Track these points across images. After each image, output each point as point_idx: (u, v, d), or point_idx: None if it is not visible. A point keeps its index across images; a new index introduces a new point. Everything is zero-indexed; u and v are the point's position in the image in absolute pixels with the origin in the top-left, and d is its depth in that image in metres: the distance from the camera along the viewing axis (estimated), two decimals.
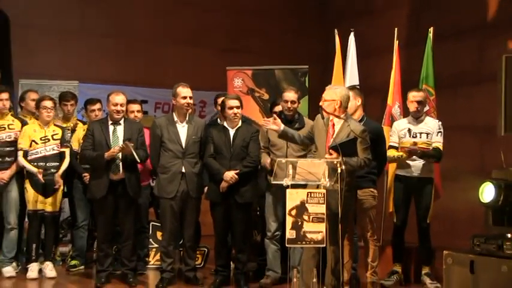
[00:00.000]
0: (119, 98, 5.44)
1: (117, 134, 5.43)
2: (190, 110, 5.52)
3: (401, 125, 5.68)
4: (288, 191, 4.42)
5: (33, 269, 5.67)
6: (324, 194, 4.39)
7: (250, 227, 5.67)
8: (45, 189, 5.69)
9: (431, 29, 6.29)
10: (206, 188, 5.52)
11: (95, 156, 5.36)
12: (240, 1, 9.16)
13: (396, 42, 6.46)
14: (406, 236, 5.68)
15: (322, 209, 4.38)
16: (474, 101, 6.87)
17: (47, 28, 7.94)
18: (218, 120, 5.86)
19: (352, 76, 6.63)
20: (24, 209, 5.82)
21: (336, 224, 4.45)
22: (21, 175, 5.76)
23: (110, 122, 5.48)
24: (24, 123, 5.82)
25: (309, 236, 4.38)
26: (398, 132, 5.62)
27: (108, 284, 5.45)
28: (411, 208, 5.64)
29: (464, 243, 4.01)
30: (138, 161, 5.36)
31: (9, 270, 5.69)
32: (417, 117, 5.60)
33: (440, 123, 5.61)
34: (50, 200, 5.72)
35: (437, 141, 5.52)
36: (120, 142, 5.35)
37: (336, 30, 6.77)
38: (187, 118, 5.45)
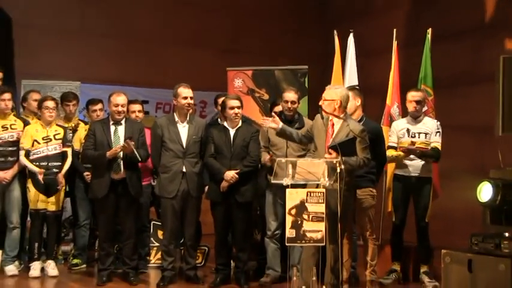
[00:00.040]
0: (120, 99, 5.44)
1: (118, 134, 5.43)
2: (191, 110, 5.53)
3: (400, 125, 5.69)
4: (287, 190, 4.43)
5: (35, 268, 5.68)
6: (323, 193, 4.40)
7: (251, 226, 5.67)
8: (47, 188, 5.69)
9: (429, 30, 6.30)
10: (207, 187, 5.53)
11: (96, 156, 5.36)
12: (240, 2, 9.15)
13: (395, 43, 6.47)
14: (405, 235, 5.68)
15: (321, 208, 4.39)
16: (472, 101, 6.87)
17: (49, 29, 7.93)
18: (219, 120, 5.86)
19: (352, 76, 6.63)
20: (26, 208, 5.83)
21: (335, 223, 4.46)
22: (23, 174, 5.77)
23: (111, 122, 5.49)
24: (26, 123, 5.82)
25: (308, 235, 4.38)
26: (397, 132, 5.63)
27: (110, 282, 5.45)
28: (410, 207, 5.64)
29: (463, 242, 4.01)
30: (139, 159, 5.36)
31: (11, 269, 5.70)
32: (416, 117, 5.61)
33: (438, 123, 5.61)
34: (52, 199, 5.73)
35: (436, 141, 5.53)
36: (121, 142, 5.35)
37: (335, 31, 6.77)
38: (188, 118, 5.45)
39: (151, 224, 6.33)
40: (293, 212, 4.41)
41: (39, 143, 5.69)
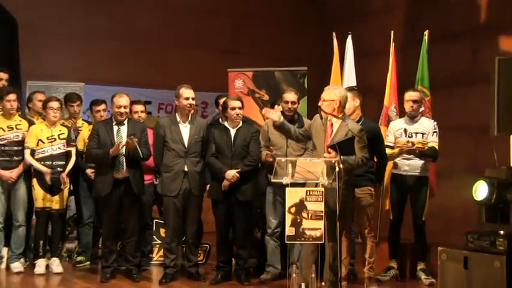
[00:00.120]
0: (122, 100, 5.44)
1: (121, 134, 5.43)
2: (192, 111, 5.53)
3: (398, 125, 5.69)
4: (287, 189, 4.43)
5: (40, 265, 5.69)
6: (322, 192, 4.40)
7: (251, 224, 5.67)
8: (52, 187, 5.70)
9: (426, 32, 6.30)
10: (208, 186, 5.53)
11: (100, 154, 5.37)
12: (241, 5, 9.15)
13: (392, 45, 6.47)
14: (402, 232, 5.68)
15: (320, 206, 4.39)
16: (468, 101, 6.87)
17: (54, 31, 7.94)
18: (220, 120, 5.86)
19: (350, 77, 6.64)
20: (31, 206, 5.83)
21: (334, 221, 4.46)
22: (28, 173, 5.77)
23: (114, 123, 5.49)
24: (31, 123, 5.83)
25: (307, 232, 4.39)
26: (395, 132, 5.63)
27: (113, 279, 5.45)
28: (407, 206, 5.64)
29: (459, 240, 4.01)
30: (141, 156, 5.36)
31: (17, 266, 5.71)
32: (413, 118, 5.61)
33: (435, 123, 5.62)
34: (56, 198, 5.73)
35: (433, 141, 5.53)
36: (124, 141, 5.35)
37: (334, 33, 6.77)
38: (189, 118, 5.46)
39: (154, 222, 6.33)
40: (293, 210, 4.41)
41: (43, 142, 5.70)
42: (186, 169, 5.35)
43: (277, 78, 6.92)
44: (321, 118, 4.78)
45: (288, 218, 4.42)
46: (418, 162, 5.52)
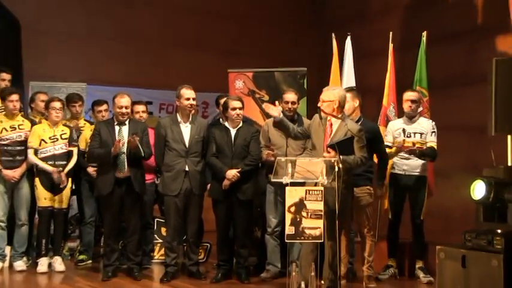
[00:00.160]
0: (124, 101, 5.44)
1: (123, 134, 5.44)
2: (193, 111, 5.53)
3: (396, 125, 5.69)
4: (287, 188, 4.44)
5: (43, 263, 5.69)
6: (321, 191, 4.40)
7: (251, 223, 5.67)
8: (54, 186, 5.70)
9: (424, 33, 6.30)
10: (209, 185, 5.53)
11: (102, 153, 5.37)
12: (241, 7, 9.15)
13: (391, 46, 6.48)
14: (401, 231, 5.68)
15: (320, 205, 4.39)
16: (466, 101, 6.87)
17: (56, 32, 7.93)
18: (220, 120, 5.86)
19: (349, 78, 6.64)
20: (34, 205, 5.84)
21: (333, 220, 4.47)
22: (31, 173, 5.77)
23: (116, 123, 5.49)
24: (33, 123, 5.83)
25: (307, 231, 4.39)
26: (393, 132, 5.63)
27: (115, 277, 5.46)
28: (405, 205, 5.64)
29: (456, 239, 4.01)
30: (143, 155, 5.36)
31: (20, 264, 5.72)
32: (411, 118, 5.61)
33: (433, 123, 5.62)
34: (59, 197, 5.74)
35: (432, 141, 5.54)
36: (125, 142, 5.35)
37: (333, 34, 6.77)
38: (190, 119, 5.46)
39: (155, 221, 6.33)
40: (292, 209, 4.42)
41: (46, 142, 5.70)
42: (187, 169, 5.35)
43: (277, 78, 6.92)
44: (321, 118, 4.78)
45: (288, 217, 4.42)
46: (417, 162, 5.52)
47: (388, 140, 5.62)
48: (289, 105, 5.48)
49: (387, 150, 5.51)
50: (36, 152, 5.67)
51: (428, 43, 6.30)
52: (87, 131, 5.98)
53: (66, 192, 5.79)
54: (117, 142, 5.27)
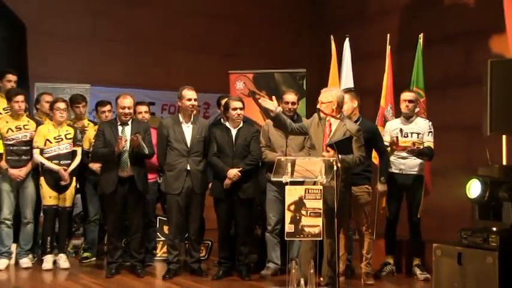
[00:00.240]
0: (127, 101, 5.45)
1: (126, 134, 5.43)
2: (195, 111, 5.53)
3: (394, 125, 5.70)
4: (287, 187, 4.44)
5: (48, 261, 5.69)
6: (320, 190, 4.41)
7: (252, 221, 5.67)
8: (59, 185, 5.70)
9: (421, 35, 6.30)
10: (210, 184, 5.53)
11: (106, 153, 5.38)
12: (242, 10, 9.15)
13: (388, 47, 6.47)
14: (398, 229, 5.69)
15: (319, 204, 4.39)
16: (462, 102, 6.87)
17: (61, 34, 7.94)
18: (221, 120, 5.87)
19: (347, 79, 6.64)
20: (39, 204, 5.84)
21: (332, 218, 4.47)
22: (36, 172, 5.78)
23: (119, 123, 5.49)
24: (38, 124, 5.83)
25: (306, 229, 4.39)
26: (391, 132, 5.63)
27: (118, 274, 5.46)
28: (403, 203, 5.64)
29: (453, 236, 4.01)
30: (146, 152, 5.35)
31: (26, 262, 5.72)
32: (408, 118, 5.61)
33: (430, 123, 5.62)
34: (63, 195, 5.74)
35: (429, 141, 5.53)
36: (128, 141, 5.36)
37: (331, 36, 6.78)
38: (192, 119, 5.46)
39: (158, 220, 6.33)
40: (292, 208, 4.42)
41: (51, 142, 5.71)
42: (188, 168, 5.35)
43: (277, 79, 6.92)
44: (320, 119, 4.78)
45: (288, 216, 4.43)
46: (414, 162, 5.52)
47: (386, 139, 5.62)
48: (289, 105, 5.49)
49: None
50: (41, 152, 5.67)
51: (425, 45, 6.30)
52: (91, 131, 5.99)
53: (71, 191, 5.79)
54: (120, 139, 5.28)
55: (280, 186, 4.81)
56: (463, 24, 7.16)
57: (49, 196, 5.69)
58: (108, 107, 6.18)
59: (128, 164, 5.38)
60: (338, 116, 4.75)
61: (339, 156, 4.43)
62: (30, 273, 5.59)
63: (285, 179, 4.44)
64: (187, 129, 5.42)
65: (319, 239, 4.46)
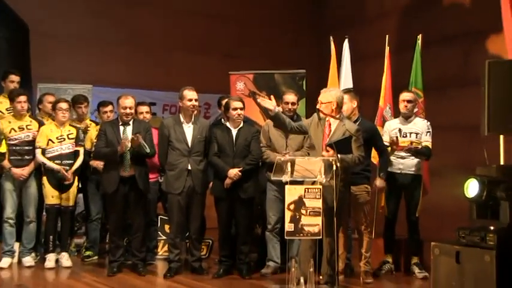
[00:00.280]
0: (128, 102, 5.45)
1: (127, 134, 5.44)
2: (195, 112, 5.53)
3: (393, 125, 5.70)
4: (287, 187, 4.44)
5: (50, 259, 5.70)
6: (320, 189, 4.41)
7: (252, 220, 5.67)
8: (61, 185, 5.71)
9: (419, 36, 6.30)
10: (211, 184, 5.54)
11: (108, 152, 5.39)
12: (242, 11, 9.16)
13: (387, 48, 6.47)
14: (397, 228, 5.68)
15: (318, 203, 4.40)
16: (460, 102, 6.87)
17: (63, 36, 7.94)
18: (222, 120, 5.87)
19: (347, 80, 6.64)
20: (42, 203, 5.84)
21: (331, 217, 4.47)
22: (39, 172, 5.78)
23: (120, 123, 5.50)
24: (41, 124, 5.84)
25: (306, 228, 4.40)
26: (390, 132, 5.63)
27: (120, 273, 5.46)
28: (401, 203, 5.64)
29: (451, 235, 4.01)
30: (147, 151, 5.35)
31: (28, 260, 5.72)
32: (407, 118, 5.61)
33: (428, 123, 5.62)
34: (66, 195, 5.75)
35: (427, 141, 5.54)
36: (130, 140, 5.36)
37: (331, 37, 6.78)
38: (192, 119, 5.46)
39: (159, 219, 6.33)
40: (292, 207, 4.42)
41: (53, 142, 5.71)
42: (189, 168, 5.35)
43: (277, 80, 6.92)
44: (319, 119, 4.79)
45: (288, 215, 4.43)
46: (412, 161, 5.52)
47: (385, 139, 5.62)
48: (289, 105, 5.50)
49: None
50: (43, 152, 5.68)
51: (424, 46, 6.30)
52: (93, 131, 5.99)
53: (73, 190, 5.80)
54: (124, 140, 5.28)
55: (280, 186, 4.81)
56: (461, 25, 7.17)
57: (51, 195, 5.70)
58: (109, 107, 6.18)
59: (129, 163, 5.38)
60: (337, 116, 4.75)
61: (339, 155, 4.43)
62: (32, 272, 5.58)
63: (285, 178, 4.44)
64: (188, 129, 5.42)
65: (319, 237, 4.47)
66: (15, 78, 6.19)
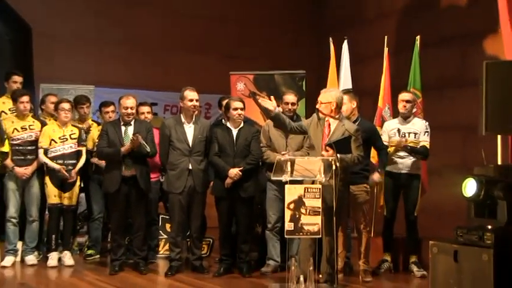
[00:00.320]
0: (129, 102, 5.46)
1: (129, 134, 5.44)
2: (196, 112, 5.53)
3: (391, 125, 5.70)
4: (286, 186, 4.44)
5: (53, 258, 5.70)
6: (319, 189, 4.41)
7: (252, 219, 5.67)
8: (64, 184, 5.71)
9: (418, 37, 6.29)
10: (212, 183, 5.53)
11: (111, 152, 5.39)
12: (242, 12, 9.17)
13: (386, 49, 6.46)
14: (396, 227, 5.68)
15: (318, 202, 4.40)
16: (458, 103, 6.87)
17: (66, 37, 7.96)
18: (222, 121, 5.87)
19: (346, 80, 6.63)
20: (44, 202, 5.84)
21: (330, 216, 4.47)
22: (41, 171, 5.78)
23: (122, 123, 5.50)
24: (43, 124, 5.84)
25: (306, 227, 4.40)
26: (389, 132, 5.63)
27: (121, 271, 5.46)
28: (400, 202, 5.64)
29: (449, 234, 4.01)
30: (148, 151, 5.35)
31: (31, 259, 5.73)
32: (406, 118, 5.61)
33: (427, 123, 5.61)
34: (68, 194, 5.75)
35: (425, 141, 5.53)
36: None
37: (330, 38, 6.77)
38: (193, 119, 5.46)
39: (160, 218, 6.34)
40: (292, 206, 4.42)
41: (56, 142, 5.71)
42: (190, 167, 5.35)
43: (277, 81, 6.92)
44: (319, 119, 4.79)
45: (287, 214, 4.43)
46: (411, 161, 5.52)
47: (384, 139, 5.62)
48: (289, 106, 5.50)
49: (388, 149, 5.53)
50: (46, 152, 5.68)
51: (422, 47, 6.29)
52: (95, 131, 5.99)
53: (75, 190, 5.80)
54: (129, 145, 5.28)
55: (280, 185, 4.81)
56: (459, 26, 7.16)
57: (54, 195, 5.70)
58: (111, 108, 6.18)
59: (131, 163, 5.37)
60: (337, 117, 4.75)
61: (338, 155, 4.43)
62: (35, 270, 5.59)
63: (285, 178, 4.44)
64: (189, 130, 5.42)
65: (318, 236, 4.47)
66: (18, 79, 6.20)
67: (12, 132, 5.70)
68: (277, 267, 5.39)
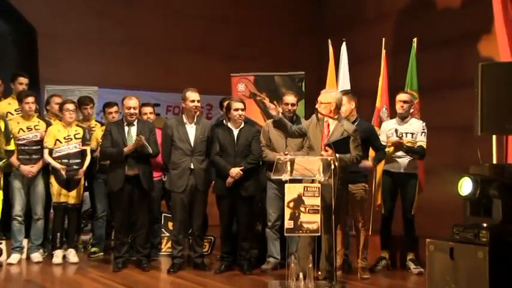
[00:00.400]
0: (132, 102, 5.47)
1: (132, 134, 5.45)
2: (198, 112, 5.54)
3: (389, 125, 5.70)
4: (286, 185, 4.45)
5: (57, 255, 5.71)
6: (319, 187, 4.42)
7: (253, 218, 5.67)
8: (68, 183, 5.72)
9: (415, 39, 6.30)
10: (213, 182, 5.54)
11: (115, 152, 5.40)
12: (243, 14, 9.17)
13: (384, 51, 6.47)
14: (393, 225, 5.69)
15: (317, 201, 4.40)
16: (454, 103, 6.86)
17: (70, 39, 7.96)
18: (224, 121, 5.87)
19: (344, 81, 6.63)
20: (49, 201, 5.85)
21: (329, 214, 4.48)
22: (47, 171, 5.79)
23: (125, 123, 5.51)
24: (48, 124, 5.85)
25: (305, 225, 4.40)
26: (386, 132, 5.64)
27: (125, 269, 5.47)
28: (397, 201, 5.65)
29: (445, 232, 4.01)
30: (151, 151, 5.36)
31: (36, 256, 5.74)
32: (403, 118, 5.61)
33: (424, 124, 5.62)
34: (72, 193, 5.76)
35: (421, 141, 5.54)
36: (134, 140, 5.37)
37: (329, 40, 6.77)
38: (195, 120, 5.46)
39: (162, 216, 6.34)
40: (291, 205, 4.43)
41: (61, 142, 5.72)
42: (192, 167, 5.35)
43: (277, 82, 6.93)
44: (318, 120, 4.79)
45: (287, 212, 4.44)
46: (408, 160, 5.52)
47: (381, 139, 5.62)
48: (289, 106, 5.50)
49: (386, 149, 5.52)
50: (51, 152, 5.69)
51: (419, 49, 6.29)
52: (98, 131, 6.00)
53: (79, 188, 5.81)
54: (132, 145, 5.29)
55: (280, 184, 4.82)
56: (455, 29, 7.17)
57: (59, 194, 5.71)
58: (115, 108, 6.19)
59: (134, 163, 5.38)
60: (336, 117, 4.75)
61: (337, 155, 4.43)
62: (40, 267, 5.60)
63: (285, 177, 4.45)
64: (191, 130, 5.43)
65: (317, 234, 4.47)
66: (23, 80, 6.21)
67: (18, 133, 5.71)
68: (277, 265, 5.40)
